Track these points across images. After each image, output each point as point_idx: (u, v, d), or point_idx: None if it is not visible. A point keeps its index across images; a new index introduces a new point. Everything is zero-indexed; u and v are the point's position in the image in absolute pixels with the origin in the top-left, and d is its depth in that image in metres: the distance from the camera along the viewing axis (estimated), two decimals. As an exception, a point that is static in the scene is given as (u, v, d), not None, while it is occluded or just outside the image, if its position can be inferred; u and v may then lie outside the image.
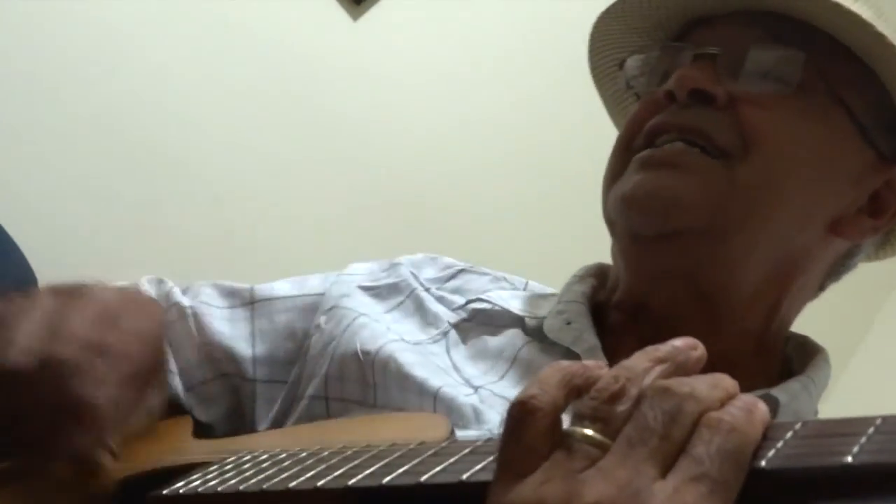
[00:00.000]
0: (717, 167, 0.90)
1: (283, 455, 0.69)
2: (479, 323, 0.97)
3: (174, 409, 0.96)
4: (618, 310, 0.96)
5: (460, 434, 0.79)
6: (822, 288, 1.01)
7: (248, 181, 2.11)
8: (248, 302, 1.03)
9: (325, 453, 0.66)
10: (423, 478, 0.55)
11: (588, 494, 0.45)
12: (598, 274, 1.01)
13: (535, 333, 0.95)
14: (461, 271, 1.05)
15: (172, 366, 0.98)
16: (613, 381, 0.49)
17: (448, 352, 0.95)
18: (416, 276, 1.03)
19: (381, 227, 2.12)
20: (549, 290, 1.04)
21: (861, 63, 0.93)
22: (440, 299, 1.01)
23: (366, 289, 1.02)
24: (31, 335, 0.74)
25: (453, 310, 0.99)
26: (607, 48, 1.04)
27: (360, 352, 0.94)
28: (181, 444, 0.90)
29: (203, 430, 0.96)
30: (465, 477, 0.53)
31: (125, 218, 1.97)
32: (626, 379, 0.49)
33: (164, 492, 0.69)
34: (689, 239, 0.89)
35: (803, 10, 0.92)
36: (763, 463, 0.45)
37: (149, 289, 1.04)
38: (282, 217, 2.11)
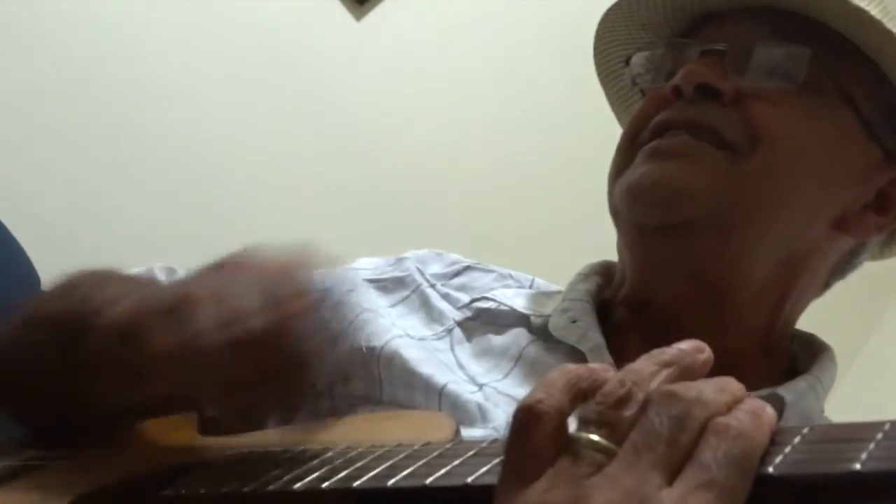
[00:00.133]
0: (724, 160, 0.89)
1: (288, 455, 0.69)
2: (483, 322, 0.97)
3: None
4: (623, 306, 0.95)
5: (465, 432, 0.79)
6: (827, 286, 1.01)
7: (251, 180, 2.11)
8: None
9: (329, 454, 0.66)
10: (428, 480, 0.54)
11: (594, 501, 0.44)
12: (604, 272, 1.01)
13: (540, 332, 0.94)
14: (467, 268, 1.05)
15: None
16: (619, 386, 0.48)
17: (452, 349, 0.95)
18: (421, 272, 1.03)
19: (385, 226, 2.12)
20: (555, 287, 1.04)
21: (868, 60, 0.93)
22: (445, 296, 1.01)
23: (371, 282, 1.02)
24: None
25: (458, 308, 0.99)
26: (613, 45, 1.04)
27: (365, 348, 0.93)
28: (186, 442, 0.90)
29: (209, 425, 0.96)
30: (469, 480, 0.53)
31: (128, 217, 1.97)
32: (632, 383, 0.48)
33: (166, 492, 0.68)
34: (693, 231, 0.89)
35: (811, 6, 0.91)
36: (771, 469, 0.44)
37: (160, 277, 1.04)
38: (284, 216, 2.10)
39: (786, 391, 0.87)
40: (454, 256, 1.06)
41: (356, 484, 0.58)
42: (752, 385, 0.84)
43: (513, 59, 2.33)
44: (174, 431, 0.93)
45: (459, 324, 0.97)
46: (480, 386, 0.90)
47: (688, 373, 0.50)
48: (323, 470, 0.62)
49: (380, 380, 0.92)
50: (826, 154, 0.92)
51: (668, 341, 0.90)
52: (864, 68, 0.93)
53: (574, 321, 0.92)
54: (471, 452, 0.57)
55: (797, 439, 0.46)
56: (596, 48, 1.06)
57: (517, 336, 0.95)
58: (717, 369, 0.52)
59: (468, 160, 2.29)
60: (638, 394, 0.48)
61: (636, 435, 0.46)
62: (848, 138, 0.93)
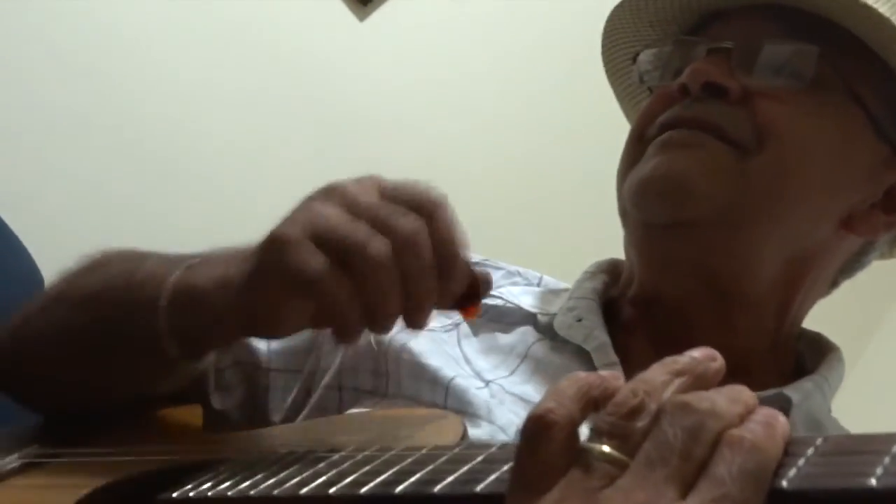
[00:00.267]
0: (731, 155, 0.89)
1: (295, 457, 0.69)
2: (489, 319, 0.97)
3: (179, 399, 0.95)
4: (631, 305, 0.95)
5: (472, 430, 0.79)
6: (835, 284, 1.00)
7: (254, 180, 2.10)
8: None
9: (337, 456, 0.65)
10: (437, 488, 0.54)
11: None
12: (610, 270, 1.01)
13: (546, 330, 0.94)
14: (475, 264, 1.05)
15: None
16: (632, 396, 0.47)
17: (459, 343, 0.95)
18: None
19: None
20: (563, 284, 1.04)
21: (877, 58, 0.92)
22: None
23: None
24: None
25: None
26: (621, 42, 1.04)
27: (373, 341, 0.93)
28: (192, 439, 0.90)
29: (215, 419, 0.95)
30: (479, 489, 0.52)
31: (132, 216, 1.96)
32: (644, 393, 0.47)
33: (174, 494, 0.68)
34: (701, 229, 0.89)
35: (819, 4, 0.91)
36: (784, 483, 0.44)
37: None
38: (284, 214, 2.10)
39: (792, 391, 0.87)
40: None
41: (363, 490, 0.57)
42: (758, 384, 0.84)
43: (516, 59, 2.32)
44: (180, 427, 0.92)
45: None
46: (487, 382, 0.89)
47: (700, 381, 0.49)
48: (331, 474, 0.62)
49: (387, 373, 0.92)
50: (834, 153, 0.92)
51: (675, 340, 0.90)
52: (872, 66, 0.92)
53: (579, 320, 0.92)
54: (479, 458, 0.57)
55: (811, 451, 0.46)
56: (604, 45, 1.06)
57: (524, 334, 0.94)
58: (729, 368, 0.51)
59: (473, 159, 2.28)
60: (650, 404, 0.47)
61: (649, 447, 0.45)
62: (856, 137, 0.93)
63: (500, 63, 2.31)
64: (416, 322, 0.70)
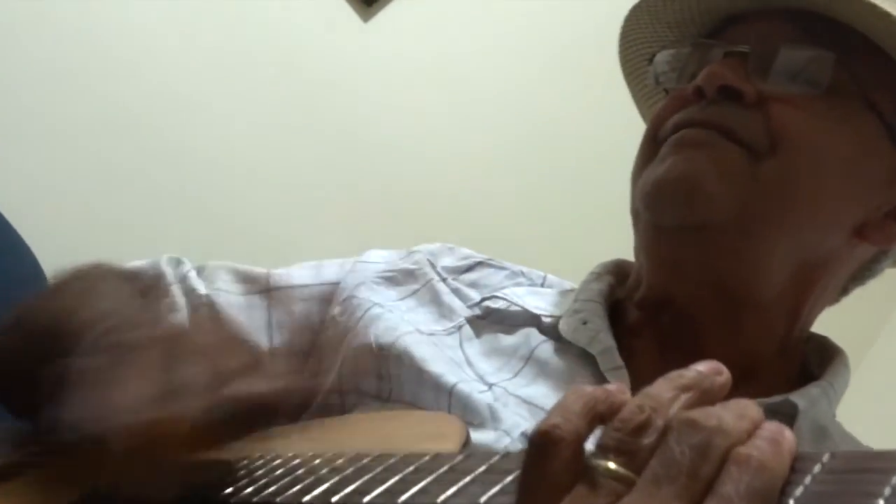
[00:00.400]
0: (743, 157, 0.89)
1: (297, 462, 0.68)
2: (492, 321, 0.97)
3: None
4: (638, 308, 0.95)
5: (475, 434, 0.79)
6: (845, 291, 1.00)
7: (257, 183, 2.10)
8: (265, 289, 1.02)
9: (340, 461, 0.65)
10: (440, 500, 0.54)
11: None
12: (616, 271, 1.00)
13: (551, 332, 0.94)
14: (479, 264, 1.04)
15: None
16: (638, 412, 0.47)
17: (461, 345, 0.94)
18: (432, 265, 1.02)
19: (392, 227, 2.11)
20: (567, 284, 1.03)
21: (894, 65, 0.91)
22: (455, 291, 1.00)
23: (381, 276, 1.01)
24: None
25: (468, 306, 0.98)
26: (638, 42, 1.03)
27: (374, 344, 0.93)
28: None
29: None
30: (482, 501, 0.52)
31: (136, 214, 1.96)
32: (650, 409, 0.47)
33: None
34: (712, 233, 0.89)
35: (837, 10, 0.90)
36: (791, 502, 0.43)
37: (166, 269, 1.04)
38: (290, 218, 2.09)
39: (799, 398, 0.86)
40: (466, 251, 1.06)
41: (366, 500, 0.57)
42: (765, 389, 0.85)
43: (520, 60, 2.32)
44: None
45: (469, 321, 0.97)
46: (490, 385, 0.89)
47: (707, 396, 0.49)
48: (332, 481, 0.61)
49: (389, 377, 0.91)
50: (847, 161, 0.91)
51: (682, 344, 0.90)
52: (889, 74, 0.91)
53: (585, 323, 0.92)
54: (482, 468, 0.56)
55: (817, 468, 0.45)
56: (621, 45, 1.05)
57: (527, 336, 0.94)
58: (731, 375, 0.50)
59: (477, 160, 2.28)
60: (657, 420, 0.46)
61: (656, 464, 0.44)
62: (871, 145, 0.92)
63: (504, 63, 2.31)
64: None
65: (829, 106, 0.90)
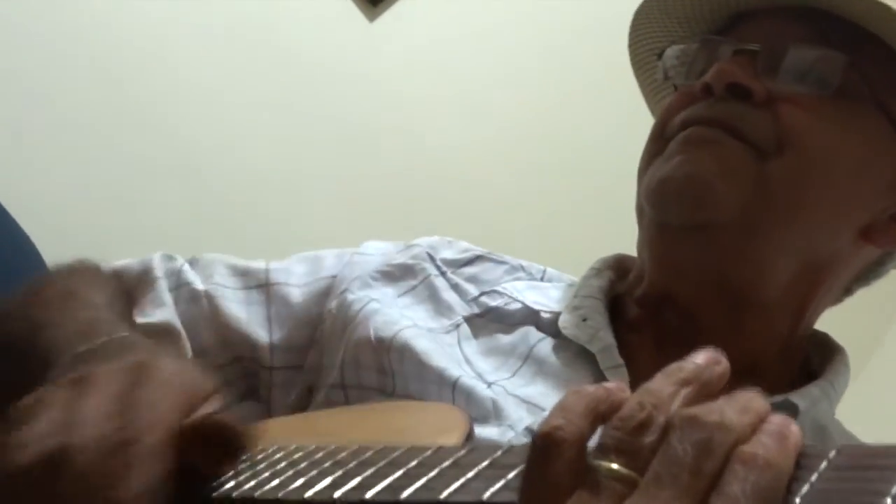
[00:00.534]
0: (749, 156, 0.88)
1: (300, 454, 0.68)
2: (490, 320, 0.96)
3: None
4: (638, 304, 0.94)
5: (479, 429, 0.78)
6: (849, 292, 0.99)
7: (262, 181, 2.10)
8: (263, 284, 1.02)
9: (343, 454, 0.65)
10: (443, 495, 0.53)
11: None
12: (617, 266, 1.00)
13: (550, 328, 0.93)
14: (478, 257, 1.04)
15: (187, 349, 0.97)
16: (639, 410, 0.46)
17: (459, 344, 0.94)
18: (432, 258, 1.02)
19: (398, 225, 2.10)
20: (567, 278, 1.03)
21: None
22: (454, 287, 1.00)
23: (379, 272, 1.01)
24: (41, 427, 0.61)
25: (467, 301, 0.98)
26: (647, 36, 1.03)
27: (374, 339, 0.93)
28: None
29: None
30: (485, 497, 0.51)
31: (141, 211, 1.96)
32: (651, 406, 0.46)
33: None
34: (716, 232, 0.88)
35: (849, 10, 0.89)
36: (798, 500, 0.43)
37: (159, 265, 1.03)
38: (296, 216, 2.09)
39: (799, 398, 0.86)
40: (465, 244, 1.05)
41: (369, 495, 0.57)
42: (766, 389, 0.83)
43: (525, 59, 2.32)
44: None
45: (467, 320, 0.96)
46: (489, 384, 0.89)
47: (707, 388, 0.48)
48: (335, 475, 0.61)
49: (392, 372, 0.91)
50: (854, 164, 0.91)
51: (683, 342, 0.89)
52: None
53: (585, 319, 0.91)
54: (485, 463, 0.56)
55: (823, 465, 0.44)
56: (630, 39, 1.05)
57: (525, 334, 0.94)
58: (733, 373, 0.50)
59: (482, 160, 2.28)
60: (658, 417, 0.46)
61: (658, 464, 0.44)
62: (879, 148, 0.92)
63: (509, 63, 2.31)
64: None
65: (837, 107, 0.90)
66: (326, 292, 1.01)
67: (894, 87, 0.91)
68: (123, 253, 1.04)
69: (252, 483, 0.65)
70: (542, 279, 1.03)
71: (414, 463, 0.59)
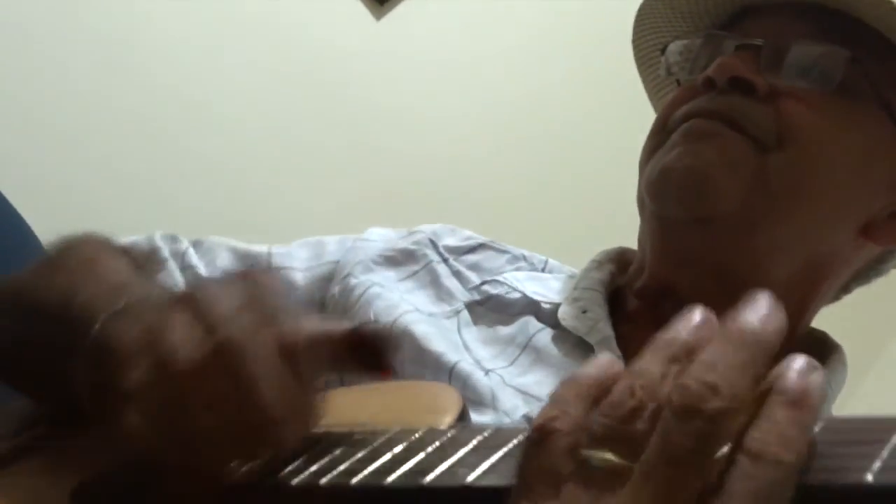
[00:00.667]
0: (750, 149, 0.88)
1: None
2: (490, 309, 0.96)
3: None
4: (638, 296, 0.94)
5: (475, 416, 0.78)
6: (847, 290, 0.99)
7: (270, 177, 2.10)
8: (266, 268, 1.02)
9: (331, 439, 0.64)
10: (427, 479, 0.53)
11: None
12: (618, 259, 0.99)
13: (549, 319, 0.93)
14: (481, 245, 1.04)
15: None
16: (629, 396, 0.44)
17: (459, 330, 0.94)
18: (434, 244, 1.02)
19: (404, 223, 2.11)
20: (569, 269, 1.02)
21: None
22: (456, 274, 1.00)
23: (382, 256, 1.01)
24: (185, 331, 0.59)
25: (468, 289, 0.98)
26: (651, 30, 1.03)
27: (373, 319, 0.93)
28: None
29: None
30: (468, 481, 0.51)
31: (146, 207, 1.96)
32: (641, 389, 0.44)
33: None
34: (716, 224, 0.88)
35: (853, 6, 0.89)
36: None
37: (161, 245, 1.03)
38: (303, 214, 2.09)
39: None
40: (468, 232, 1.05)
41: (354, 480, 0.56)
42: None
43: (531, 58, 2.33)
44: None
45: (468, 306, 0.96)
46: (486, 371, 0.89)
47: (696, 355, 0.45)
48: (322, 462, 0.61)
49: None
50: (855, 160, 0.90)
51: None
52: None
53: (584, 311, 0.91)
54: (471, 445, 0.55)
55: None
56: (634, 33, 1.04)
57: (525, 324, 0.93)
58: None
59: (488, 159, 2.28)
60: (649, 402, 0.44)
61: (653, 455, 0.42)
62: (880, 144, 0.91)
63: (515, 61, 2.31)
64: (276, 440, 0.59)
65: (840, 104, 0.90)
66: (329, 277, 1.01)
67: None
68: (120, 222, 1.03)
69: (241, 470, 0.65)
70: (543, 270, 1.03)
71: (402, 446, 0.59)
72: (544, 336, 0.92)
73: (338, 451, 0.61)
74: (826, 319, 0.98)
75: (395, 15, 2.22)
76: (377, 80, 2.20)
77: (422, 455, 0.56)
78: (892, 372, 2.48)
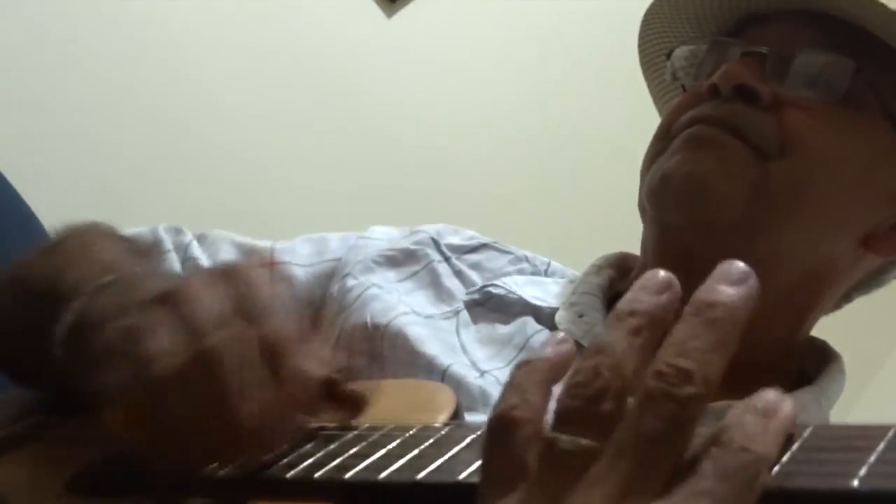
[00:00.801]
0: (750, 157, 0.88)
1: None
2: (490, 308, 0.96)
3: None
4: None
5: (468, 416, 0.78)
6: (848, 299, 0.99)
7: (278, 176, 2.11)
8: (268, 263, 1.02)
9: (324, 435, 0.65)
10: (420, 475, 0.54)
11: None
12: (618, 264, 1.00)
13: (548, 321, 0.93)
14: (484, 245, 1.04)
15: None
16: (593, 376, 0.43)
17: (458, 331, 0.94)
18: (436, 243, 1.02)
19: (414, 221, 2.11)
20: (571, 273, 1.03)
21: None
22: (458, 273, 1.00)
23: (382, 256, 1.01)
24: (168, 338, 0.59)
25: (468, 290, 0.98)
26: (657, 35, 1.03)
27: (370, 325, 0.93)
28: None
29: None
30: (461, 477, 0.52)
31: (155, 198, 1.97)
32: (607, 369, 0.43)
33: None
34: (714, 232, 0.88)
35: (859, 16, 0.89)
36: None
37: (165, 237, 1.03)
38: (309, 212, 2.10)
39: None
40: (471, 232, 1.05)
41: (348, 475, 0.57)
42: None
43: (542, 59, 2.33)
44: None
45: (467, 306, 0.96)
46: (482, 372, 0.89)
47: (661, 324, 0.45)
48: (317, 456, 0.61)
49: (381, 358, 0.91)
50: (857, 171, 0.90)
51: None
52: None
53: (581, 316, 0.91)
54: (465, 443, 0.56)
55: (795, 445, 0.44)
56: (640, 38, 1.04)
57: (523, 325, 0.94)
58: (726, 377, 0.45)
59: (497, 157, 2.28)
60: (615, 381, 0.43)
61: (624, 436, 0.42)
62: (882, 156, 0.91)
63: (525, 60, 2.31)
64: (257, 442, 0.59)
65: (843, 114, 0.90)
66: (330, 274, 1.01)
67: None
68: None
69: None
70: (545, 272, 1.03)
71: (396, 442, 0.59)
72: (542, 338, 0.92)
73: (332, 446, 0.62)
74: (829, 329, 0.99)
75: (406, 12, 2.22)
76: (388, 77, 2.21)
77: (416, 451, 0.57)
78: (892, 383, 2.47)
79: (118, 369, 0.59)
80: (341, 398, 0.64)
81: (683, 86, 1.00)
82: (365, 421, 0.65)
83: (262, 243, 1.04)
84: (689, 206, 0.88)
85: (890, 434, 0.42)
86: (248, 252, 1.03)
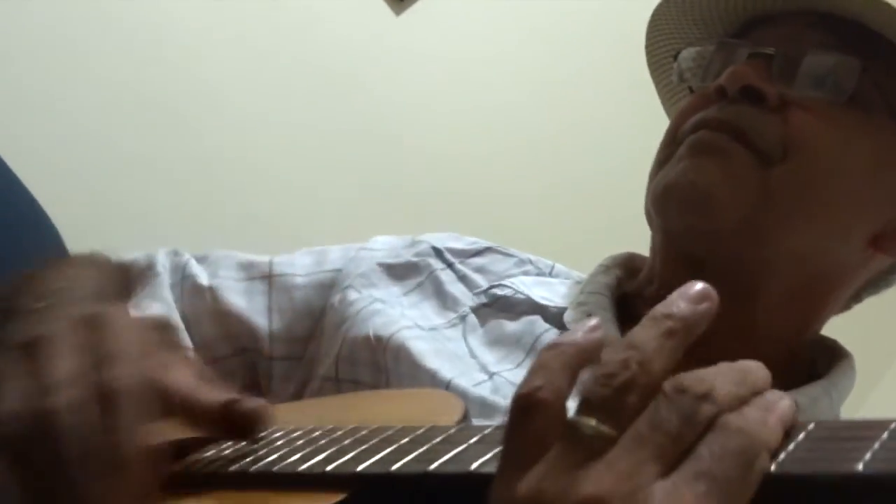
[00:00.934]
0: (753, 163, 0.88)
1: (297, 434, 0.69)
2: (498, 309, 0.96)
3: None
4: (648, 304, 0.94)
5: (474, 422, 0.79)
6: (858, 299, 0.99)
7: (285, 173, 2.11)
8: (266, 275, 1.02)
9: (338, 433, 0.66)
10: (432, 466, 0.54)
11: (585, 488, 0.43)
12: (625, 264, 1.00)
13: (556, 321, 0.93)
14: (487, 249, 1.04)
15: (188, 341, 0.98)
16: (623, 368, 0.46)
17: (465, 336, 0.94)
18: (438, 250, 1.02)
19: (419, 220, 2.11)
20: (576, 274, 1.03)
21: None
22: (462, 278, 1.00)
23: (384, 267, 1.01)
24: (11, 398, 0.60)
25: (474, 293, 0.98)
26: (664, 37, 1.03)
27: (372, 338, 0.93)
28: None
29: None
30: (473, 467, 0.52)
31: (161, 199, 1.97)
32: (636, 364, 0.46)
33: (175, 468, 0.68)
34: (721, 237, 0.88)
35: (866, 16, 0.89)
36: (773, 467, 0.44)
37: (164, 261, 1.04)
38: (314, 211, 2.10)
39: (799, 395, 0.86)
40: (473, 238, 1.05)
41: (360, 468, 0.58)
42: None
43: (550, 57, 2.32)
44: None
45: (474, 310, 0.97)
46: (491, 374, 0.89)
47: (694, 330, 0.48)
48: (329, 451, 0.62)
49: (386, 370, 0.91)
50: (864, 171, 0.91)
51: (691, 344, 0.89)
52: None
53: (589, 315, 0.91)
54: (474, 438, 0.57)
55: (801, 436, 0.46)
56: (647, 39, 1.05)
57: (532, 324, 0.94)
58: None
59: (503, 158, 2.28)
60: (642, 377, 0.46)
61: (641, 426, 0.44)
62: (890, 156, 0.91)
63: (533, 59, 2.31)
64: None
65: (850, 115, 0.90)
66: (330, 285, 1.01)
67: None
68: (139, 239, 1.04)
69: (249, 459, 0.66)
70: (549, 274, 1.03)
71: (407, 439, 0.60)
72: (550, 338, 0.91)
73: (346, 442, 0.63)
74: (838, 328, 0.99)
75: (414, 11, 2.22)
76: (396, 76, 2.20)
77: (427, 445, 0.58)
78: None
79: None
80: (236, 418, 0.66)
81: (691, 87, 1.00)
82: (373, 423, 0.66)
83: (262, 258, 1.04)
84: (691, 214, 0.89)
85: (892, 426, 0.44)
86: (247, 266, 1.03)
